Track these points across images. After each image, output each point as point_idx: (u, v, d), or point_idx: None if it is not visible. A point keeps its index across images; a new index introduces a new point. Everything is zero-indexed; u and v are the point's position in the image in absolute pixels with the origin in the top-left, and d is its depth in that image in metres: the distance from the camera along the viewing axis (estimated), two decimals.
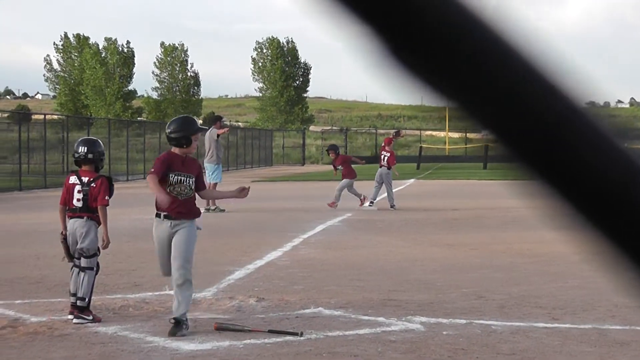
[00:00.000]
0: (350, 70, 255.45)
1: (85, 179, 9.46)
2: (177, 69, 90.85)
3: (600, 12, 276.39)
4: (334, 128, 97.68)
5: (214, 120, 26.46)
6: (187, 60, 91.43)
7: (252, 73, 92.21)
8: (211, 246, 15.17)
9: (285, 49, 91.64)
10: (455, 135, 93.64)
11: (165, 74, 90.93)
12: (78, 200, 9.41)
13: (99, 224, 9.47)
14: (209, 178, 24.05)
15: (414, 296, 10.80)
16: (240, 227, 19.46)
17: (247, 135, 71.19)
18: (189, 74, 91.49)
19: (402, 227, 19.62)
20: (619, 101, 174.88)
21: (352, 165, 25.62)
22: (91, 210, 9.40)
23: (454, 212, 23.58)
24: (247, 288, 11.22)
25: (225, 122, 26.12)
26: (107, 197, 9.43)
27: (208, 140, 24.95)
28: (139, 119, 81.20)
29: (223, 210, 23.20)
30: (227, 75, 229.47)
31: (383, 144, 26.22)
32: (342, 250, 15.43)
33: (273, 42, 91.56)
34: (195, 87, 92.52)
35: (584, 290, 11.33)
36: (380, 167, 25.07)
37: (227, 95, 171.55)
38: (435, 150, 76.37)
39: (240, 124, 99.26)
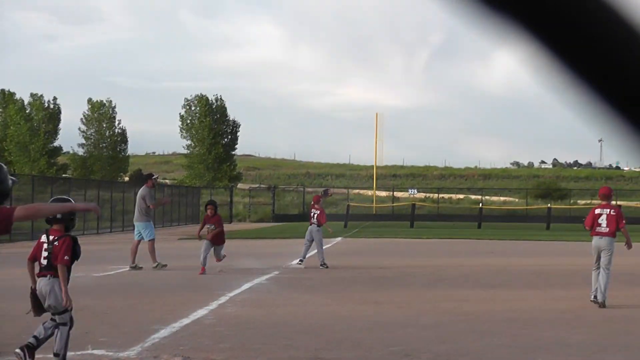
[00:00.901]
0: (279, 129, 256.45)
1: (51, 238, 9.63)
2: (105, 125, 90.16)
3: (525, 74, 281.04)
4: (262, 186, 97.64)
5: (146, 178, 26.19)
6: (114, 117, 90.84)
7: (180, 130, 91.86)
8: (136, 304, 14.95)
9: (214, 106, 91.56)
10: (383, 194, 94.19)
11: (92, 130, 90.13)
12: (44, 258, 9.60)
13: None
14: (143, 236, 23.89)
15: (341, 355, 10.73)
16: (166, 284, 19.24)
17: (175, 192, 70.78)
18: (116, 130, 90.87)
19: (330, 285, 19.56)
20: (542, 161, 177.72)
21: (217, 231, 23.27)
22: (54, 269, 9.52)
23: (381, 270, 23.61)
24: (172, 347, 11.06)
25: (156, 178, 25.74)
26: (66, 257, 9.51)
27: (138, 199, 24.79)
28: (64, 175, 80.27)
29: (165, 265, 23.09)
30: (155, 131, 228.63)
31: (312, 202, 26.20)
32: (269, 308, 15.32)
33: (202, 100, 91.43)
34: (123, 144, 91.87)
35: (510, 348, 11.38)
36: (311, 224, 25.04)
37: (154, 152, 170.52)
38: (362, 209, 76.64)
39: (167, 181, 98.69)
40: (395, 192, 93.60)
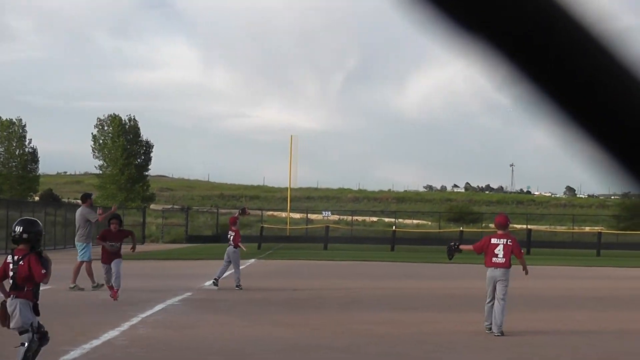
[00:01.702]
0: (192, 150, 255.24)
1: (16, 258, 9.76)
2: (14, 144, 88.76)
3: (439, 99, 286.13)
4: (175, 207, 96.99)
5: (84, 198, 25.80)
6: (24, 136, 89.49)
7: (93, 150, 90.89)
8: (47, 325, 14.69)
9: (127, 126, 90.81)
10: (297, 215, 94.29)
11: (1, 149, 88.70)
12: (10, 278, 9.77)
13: (30, 300, 9.76)
14: (78, 256, 23.67)
15: None
16: (76, 305, 18.96)
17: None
18: (26, 149, 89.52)
19: (244, 307, 19.48)
20: (455, 185, 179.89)
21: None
22: (19, 288, 9.66)
23: (294, 292, 23.59)
24: None
25: (91, 199, 25.33)
26: (43, 271, 9.66)
27: (78, 219, 24.49)
28: None
29: (82, 289, 22.75)
30: (67, 151, 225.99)
31: (229, 223, 26.10)
32: (182, 329, 15.19)
33: (115, 120, 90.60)
34: (33, 163, 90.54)
35: None
36: (229, 245, 24.96)
37: (66, 172, 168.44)
38: (276, 230, 76.59)
39: (79, 201, 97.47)
40: (309, 214, 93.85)
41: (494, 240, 15.41)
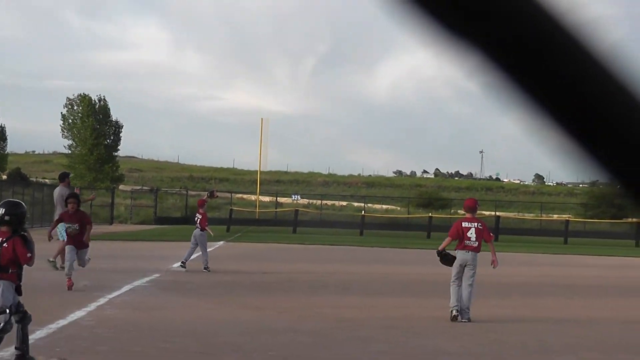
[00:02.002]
0: (162, 131, 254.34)
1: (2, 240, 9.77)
2: None
3: (409, 85, 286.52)
4: (145, 188, 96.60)
5: (62, 177, 25.61)
6: None
7: (62, 130, 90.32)
8: None
9: (96, 106, 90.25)
10: (266, 199, 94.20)
11: None
12: None
13: (13, 281, 9.75)
14: (58, 236, 23.49)
15: (221, 359, 10.70)
16: (42, 285, 18.85)
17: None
18: None
19: (211, 289, 19.47)
20: (425, 171, 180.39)
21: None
22: (3, 270, 9.64)
23: (263, 275, 23.61)
24: (48, 348, 10.85)
25: (68, 178, 25.22)
26: (28, 254, 9.69)
27: (56, 198, 24.31)
28: None
29: (58, 269, 22.59)
30: (35, 130, 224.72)
31: (197, 205, 26.09)
32: (149, 311, 15.16)
33: (84, 99, 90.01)
34: (1, 142, 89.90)
35: (390, 355, 11.50)
36: (196, 228, 24.93)
37: (34, 151, 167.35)
38: (245, 214, 76.49)
39: (47, 180, 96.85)
40: (278, 198, 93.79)
41: (465, 224, 15.52)
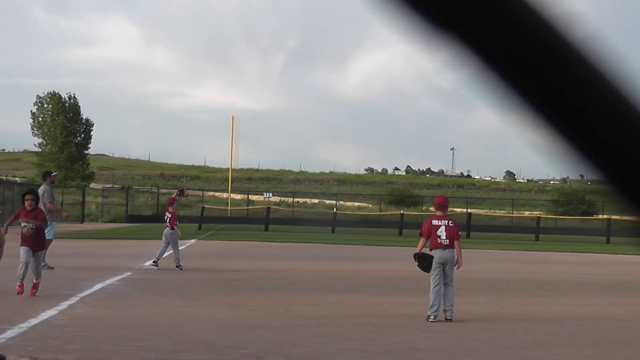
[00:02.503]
0: (133, 129, 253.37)
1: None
2: None
3: (380, 81, 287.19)
4: (115, 186, 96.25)
5: (44, 175, 25.46)
6: None
7: (32, 128, 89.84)
8: None
9: (67, 104, 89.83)
10: (238, 196, 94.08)
11: None
12: None
13: None
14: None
15: (193, 357, 10.67)
16: (12, 284, 18.73)
17: (24, 190, 69.08)
18: None
19: (183, 287, 19.42)
20: (396, 168, 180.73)
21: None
22: None
23: (234, 273, 23.57)
24: (19, 348, 10.78)
25: (55, 175, 25.14)
26: None
27: (40, 197, 24.11)
28: None
29: (52, 268, 22.48)
30: (5, 128, 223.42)
31: (167, 204, 26.05)
32: (121, 309, 15.10)
33: (54, 97, 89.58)
34: None
35: (361, 352, 11.50)
36: (166, 227, 24.89)
37: (4, 150, 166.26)
38: (217, 211, 76.36)
39: (17, 179, 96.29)
40: (250, 195, 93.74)
41: (434, 222, 15.29)
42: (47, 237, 23.19)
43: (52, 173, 25.67)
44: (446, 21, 1.01)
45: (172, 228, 24.64)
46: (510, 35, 1.02)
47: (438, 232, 15.11)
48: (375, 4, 1.03)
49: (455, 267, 15.36)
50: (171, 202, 25.63)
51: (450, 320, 14.78)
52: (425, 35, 1.03)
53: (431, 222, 15.36)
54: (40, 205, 23.74)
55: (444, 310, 14.88)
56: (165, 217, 25.15)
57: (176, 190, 27.95)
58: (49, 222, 23.59)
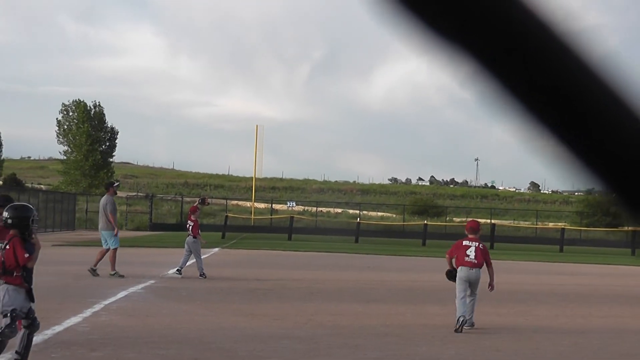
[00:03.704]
0: (157, 137, 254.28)
1: (4, 243, 9.81)
2: None
3: (404, 92, 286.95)
4: (140, 194, 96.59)
5: (108, 185, 25.69)
6: None
7: (57, 135, 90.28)
8: None
9: (92, 112, 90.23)
10: (261, 205, 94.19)
11: None
12: (1, 263, 9.74)
13: (19, 285, 9.78)
14: (108, 244, 23.61)
15: None
16: (38, 291, 18.81)
17: (50, 198, 69.42)
18: None
19: (206, 296, 19.46)
20: (420, 179, 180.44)
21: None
22: (7, 273, 9.69)
23: (257, 282, 23.59)
24: (44, 355, 10.85)
25: (117, 186, 25.38)
26: (26, 255, 9.69)
27: (102, 207, 24.34)
28: None
29: (122, 276, 22.71)
30: (31, 136, 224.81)
31: (189, 212, 26.10)
32: (144, 317, 15.16)
33: (80, 105, 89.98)
34: None
35: None
36: (188, 235, 24.97)
37: (29, 157, 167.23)
38: (240, 220, 76.45)
39: (42, 186, 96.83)
40: (273, 205, 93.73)
41: (465, 242, 15.83)
42: (114, 245, 23.47)
43: (114, 183, 25.76)
44: (463, 37, 1.03)
45: (194, 237, 24.69)
46: (527, 50, 1.04)
47: (467, 252, 15.63)
48: (392, 20, 1.05)
49: (489, 289, 15.93)
50: (193, 210, 25.68)
51: (472, 326, 15.09)
52: (443, 51, 1.04)
53: (462, 242, 15.91)
54: (103, 216, 24.08)
55: (465, 321, 15.08)
56: (188, 226, 25.19)
57: (198, 199, 27.99)
58: (112, 231, 23.87)
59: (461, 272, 15.57)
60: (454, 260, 15.85)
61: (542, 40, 1.03)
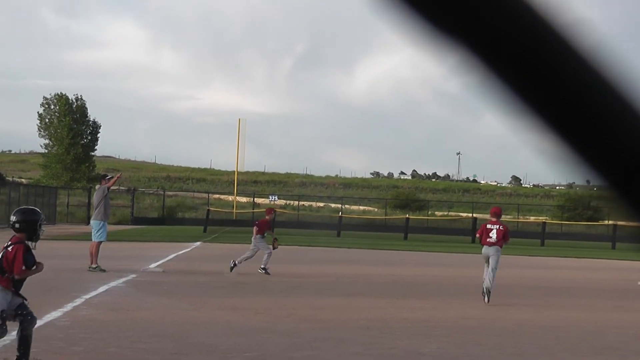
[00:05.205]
0: (139, 131, 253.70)
1: (9, 242, 9.70)
2: None
3: (387, 86, 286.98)
4: (122, 188, 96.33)
5: (101, 178, 25.60)
6: None
7: (38, 129, 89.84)
8: None
9: (74, 105, 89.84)
10: (243, 199, 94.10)
11: None
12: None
13: (6, 287, 9.62)
14: (94, 236, 23.46)
15: (196, 359, 10.66)
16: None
17: (30, 192, 69.18)
18: None
19: (187, 290, 19.41)
20: (402, 172, 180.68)
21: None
22: (2, 272, 9.58)
23: (239, 276, 23.57)
24: None
25: (109, 179, 25.15)
26: (23, 267, 9.58)
27: (97, 197, 24.23)
28: None
29: (104, 270, 22.53)
30: (11, 129, 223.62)
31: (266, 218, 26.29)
32: (126, 311, 15.10)
33: (61, 99, 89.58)
34: None
35: (365, 356, 11.48)
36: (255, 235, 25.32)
37: (10, 151, 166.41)
38: (222, 214, 76.36)
39: (23, 180, 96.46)
40: (256, 198, 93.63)
41: (489, 226, 19.60)
42: (100, 238, 23.30)
43: (106, 176, 25.58)
44: (452, 27, 1.00)
45: (262, 236, 24.98)
46: (516, 41, 1.01)
47: (490, 234, 19.35)
48: (380, 9, 1.02)
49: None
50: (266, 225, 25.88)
51: (487, 295, 18.72)
52: (431, 41, 1.01)
53: (486, 226, 19.74)
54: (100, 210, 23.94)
55: (485, 289, 18.84)
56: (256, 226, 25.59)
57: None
58: (103, 222, 23.69)
59: (483, 250, 19.43)
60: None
61: (534, 30, 1.00)
